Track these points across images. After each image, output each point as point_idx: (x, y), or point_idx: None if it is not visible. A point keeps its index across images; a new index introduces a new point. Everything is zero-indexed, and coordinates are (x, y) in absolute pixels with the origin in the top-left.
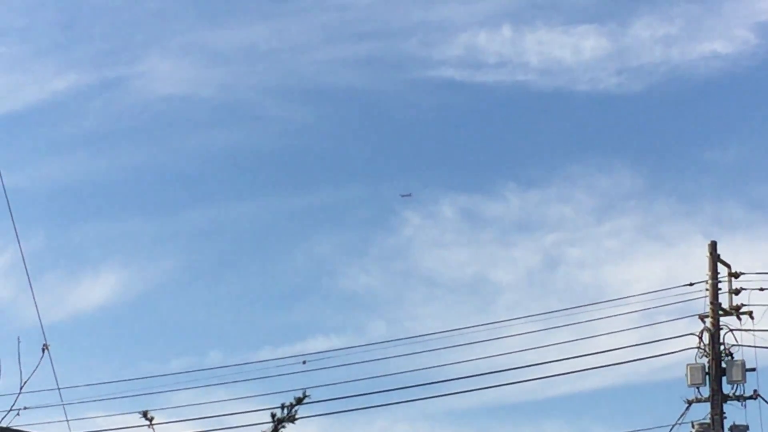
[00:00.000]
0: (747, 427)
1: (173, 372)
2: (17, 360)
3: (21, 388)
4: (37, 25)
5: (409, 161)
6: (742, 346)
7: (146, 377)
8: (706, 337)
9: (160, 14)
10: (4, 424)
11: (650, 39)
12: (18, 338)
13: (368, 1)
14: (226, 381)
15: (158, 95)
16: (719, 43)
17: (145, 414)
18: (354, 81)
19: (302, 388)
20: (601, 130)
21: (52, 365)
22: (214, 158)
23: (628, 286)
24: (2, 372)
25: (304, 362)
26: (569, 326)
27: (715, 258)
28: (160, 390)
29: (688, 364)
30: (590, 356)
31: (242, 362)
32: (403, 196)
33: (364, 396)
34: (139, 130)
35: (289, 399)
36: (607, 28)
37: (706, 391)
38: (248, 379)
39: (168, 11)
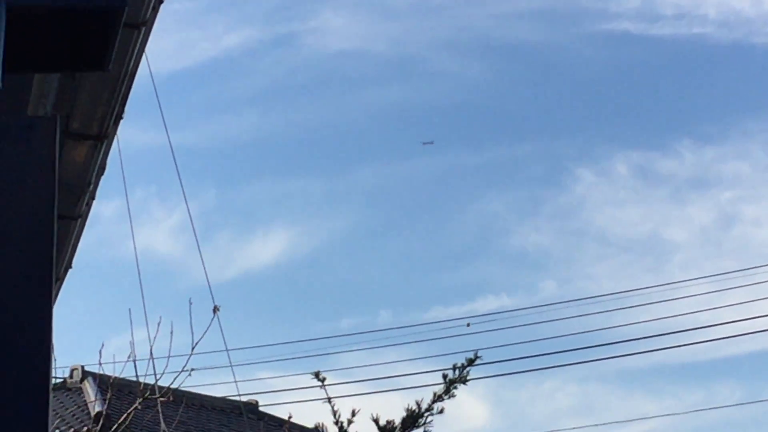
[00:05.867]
0: None
1: (343, 333)
2: (188, 320)
3: (192, 349)
4: None
5: (582, 117)
6: None
7: (315, 339)
8: None
9: None
10: (175, 385)
11: None
12: (190, 300)
13: None
14: (396, 342)
15: (330, 51)
16: None
17: (317, 374)
18: (528, 35)
19: (472, 350)
20: None
21: (221, 326)
22: (386, 115)
23: None
24: (174, 332)
25: (468, 325)
26: (744, 287)
27: None
28: (330, 351)
29: None
30: (764, 317)
31: (412, 323)
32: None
33: (534, 358)
34: (311, 87)
35: (459, 360)
36: None
37: None
38: (418, 341)
39: None
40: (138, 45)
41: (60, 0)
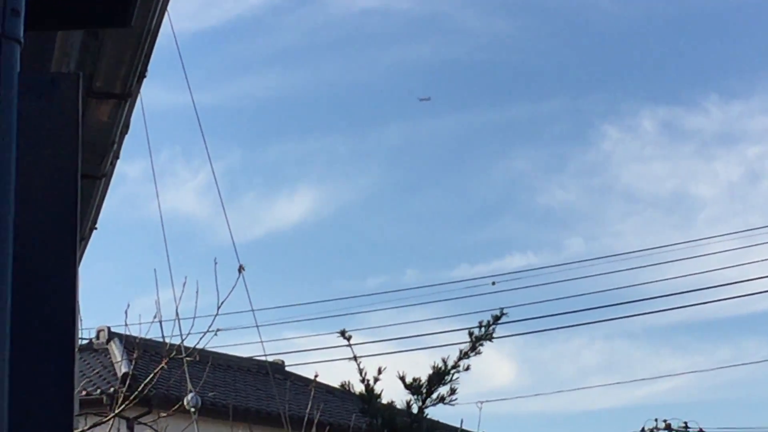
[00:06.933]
0: None
1: (369, 292)
2: (213, 280)
3: (218, 309)
4: None
5: (608, 73)
6: None
7: (341, 298)
8: None
9: None
10: (201, 345)
11: None
12: (215, 260)
13: None
14: (422, 301)
15: (355, 9)
16: None
17: (342, 333)
18: None
19: (499, 308)
20: None
21: (246, 287)
22: (411, 72)
23: None
24: (199, 292)
25: (493, 283)
26: None
27: None
28: (355, 311)
29: None
30: None
31: (438, 282)
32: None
33: (560, 315)
34: (335, 45)
35: (485, 318)
36: None
37: None
38: (444, 300)
39: None
40: (161, 1)
41: None
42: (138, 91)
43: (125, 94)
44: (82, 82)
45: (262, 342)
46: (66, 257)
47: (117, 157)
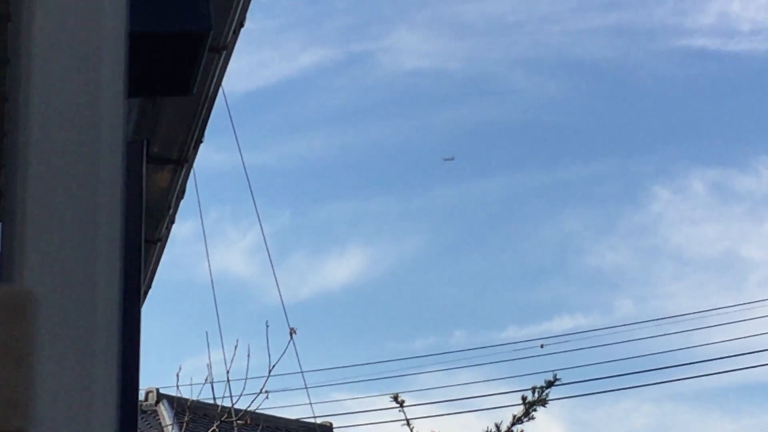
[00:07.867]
0: None
1: (418, 354)
2: (261, 341)
3: (269, 372)
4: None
5: (659, 134)
6: None
7: (390, 360)
8: None
9: None
10: (253, 407)
11: None
12: (267, 323)
13: None
14: (470, 363)
15: (405, 70)
16: None
17: (395, 398)
18: (604, 51)
19: (548, 371)
20: None
21: (295, 348)
22: (461, 133)
23: None
24: (248, 352)
25: (541, 346)
26: None
27: None
28: (404, 372)
29: None
30: None
31: (486, 344)
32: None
33: (610, 378)
34: (386, 106)
35: (535, 380)
36: None
37: None
38: (493, 362)
39: None
40: (218, 69)
41: (150, 25)
42: (194, 157)
43: (182, 159)
44: (146, 149)
45: (311, 403)
46: (130, 324)
47: (172, 222)
